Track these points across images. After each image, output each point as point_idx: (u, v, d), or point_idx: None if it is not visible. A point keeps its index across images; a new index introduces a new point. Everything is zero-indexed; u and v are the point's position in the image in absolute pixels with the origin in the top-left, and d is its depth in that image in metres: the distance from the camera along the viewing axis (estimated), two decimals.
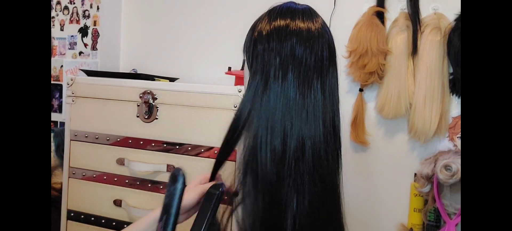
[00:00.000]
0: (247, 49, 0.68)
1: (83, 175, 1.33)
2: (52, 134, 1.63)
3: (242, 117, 0.65)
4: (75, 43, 1.79)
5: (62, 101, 1.82)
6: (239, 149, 0.66)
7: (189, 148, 1.21)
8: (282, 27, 0.64)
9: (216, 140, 0.69)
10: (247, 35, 0.68)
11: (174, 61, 1.64)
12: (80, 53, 1.78)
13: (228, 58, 1.46)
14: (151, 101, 1.25)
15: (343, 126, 1.47)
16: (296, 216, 0.60)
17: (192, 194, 0.76)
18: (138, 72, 1.63)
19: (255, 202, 0.62)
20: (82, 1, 1.77)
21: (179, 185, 0.69)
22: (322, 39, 0.65)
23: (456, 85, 1.26)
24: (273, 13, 0.67)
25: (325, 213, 0.62)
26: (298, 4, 0.69)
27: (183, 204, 0.76)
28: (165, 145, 1.24)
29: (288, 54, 0.63)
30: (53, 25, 1.84)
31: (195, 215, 0.71)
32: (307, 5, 0.69)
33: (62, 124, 1.79)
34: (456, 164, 1.14)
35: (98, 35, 1.75)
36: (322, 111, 0.63)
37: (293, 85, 0.62)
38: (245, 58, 0.68)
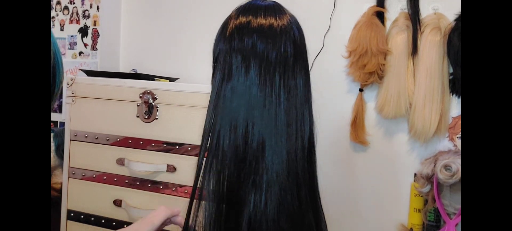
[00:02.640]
0: (213, 49, 0.68)
1: (83, 175, 1.33)
2: (52, 134, 1.63)
3: (208, 120, 0.65)
4: (75, 43, 1.79)
5: (62, 101, 1.82)
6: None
7: (189, 148, 1.21)
8: (244, 24, 0.64)
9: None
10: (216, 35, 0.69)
11: (174, 61, 1.64)
12: (80, 53, 1.78)
13: None
14: (151, 101, 1.25)
15: (343, 126, 1.48)
16: (251, 216, 0.59)
17: (162, 213, 0.82)
18: (138, 72, 1.63)
19: (215, 201, 0.62)
20: (82, 1, 1.77)
21: None
22: (286, 35, 0.63)
23: (456, 85, 1.26)
24: (237, 11, 0.67)
25: (285, 216, 0.60)
26: (265, 1, 0.68)
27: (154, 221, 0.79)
28: (165, 145, 1.24)
29: (249, 50, 0.62)
30: (53, 25, 1.84)
31: None
32: (274, 2, 0.68)
33: (62, 124, 1.79)
34: (456, 164, 1.14)
35: (98, 35, 1.75)
36: (285, 111, 0.61)
37: (255, 82, 0.61)
38: (213, 59, 0.68)
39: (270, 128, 0.61)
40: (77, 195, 1.34)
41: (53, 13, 1.84)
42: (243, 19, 0.65)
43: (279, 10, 0.66)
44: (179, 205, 1.22)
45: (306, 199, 0.62)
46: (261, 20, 0.64)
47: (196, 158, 1.18)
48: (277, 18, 0.64)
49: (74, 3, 1.79)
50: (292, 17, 0.67)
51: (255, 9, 0.66)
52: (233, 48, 0.63)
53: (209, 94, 0.66)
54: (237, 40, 0.63)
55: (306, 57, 0.67)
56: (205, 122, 0.66)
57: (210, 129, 0.64)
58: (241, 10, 0.66)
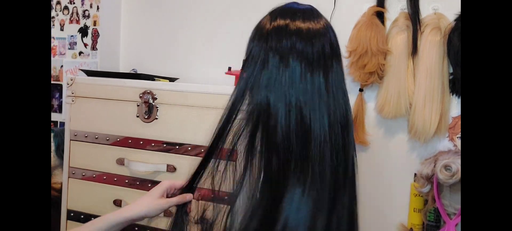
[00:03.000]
0: (247, 49, 0.68)
1: (83, 175, 1.33)
2: (52, 134, 1.63)
3: (233, 111, 0.65)
4: (75, 43, 1.79)
5: (62, 101, 1.82)
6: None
7: (189, 148, 1.21)
8: (282, 27, 0.64)
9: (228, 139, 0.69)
10: (249, 36, 0.69)
11: (174, 61, 1.64)
12: (80, 53, 1.78)
13: (228, 58, 1.46)
14: (151, 101, 1.25)
15: None
16: (288, 215, 0.59)
17: (153, 207, 0.79)
18: (138, 72, 1.63)
19: (255, 200, 0.62)
20: (82, 1, 1.77)
21: None
22: (324, 37, 0.65)
23: (456, 85, 1.26)
24: (274, 14, 0.67)
25: (324, 217, 0.61)
26: (301, 4, 0.69)
27: (140, 215, 0.79)
28: (165, 145, 1.24)
29: (288, 49, 0.63)
30: (53, 25, 1.84)
31: None
32: (310, 6, 0.69)
33: (62, 124, 1.79)
34: (456, 164, 1.14)
35: (98, 35, 1.75)
36: (326, 104, 0.62)
37: (297, 72, 0.62)
38: (246, 58, 0.68)
39: (319, 115, 0.62)
40: (77, 195, 1.34)
41: (53, 13, 1.84)
42: (280, 21, 0.65)
43: (317, 14, 0.67)
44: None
45: (342, 198, 0.64)
46: (300, 24, 0.64)
47: (196, 158, 1.18)
48: (315, 22, 0.65)
49: (74, 3, 1.79)
50: (328, 21, 0.68)
51: (293, 12, 0.66)
52: (270, 47, 0.64)
53: (230, 91, 0.67)
54: (275, 41, 0.64)
55: (341, 58, 0.68)
56: (224, 119, 0.66)
57: (237, 112, 0.65)
58: (278, 13, 0.67)
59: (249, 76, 0.65)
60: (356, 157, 0.68)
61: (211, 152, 0.70)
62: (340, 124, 0.64)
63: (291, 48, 0.63)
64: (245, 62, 0.67)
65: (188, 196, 0.83)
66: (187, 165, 1.21)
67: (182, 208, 0.83)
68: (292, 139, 0.61)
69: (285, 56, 0.62)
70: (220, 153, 0.69)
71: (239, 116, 0.66)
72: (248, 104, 0.65)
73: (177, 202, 0.83)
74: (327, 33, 0.66)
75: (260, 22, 0.68)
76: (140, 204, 0.83)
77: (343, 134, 0.64)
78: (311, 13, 0.67)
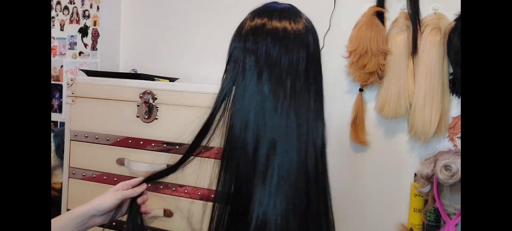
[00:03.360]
0: (229, 48, 0.68)
1: (83, 175, 1.33)
2: (52, 134, 1.63)
3: (214, 113, 0.66)
4: (75, 43, 1.79)
5: (62, 101, 1.82)
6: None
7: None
8: (258, 26, 0.64)
9: (216, 140, 0.69)
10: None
11: (174, 61, 1.64)
12: (80, 53, 1.78)
13: None
14: (151, 101, 1.25)
15: (343, 126, 1.48)
16: (259, 215, 0.59)
17: (109, 198, 0.82)
18: (138, 72, 1.63)
19: (225, 200, 0.63)
20: (82, 1, 1.77)
21: None
22: (299, 40, 0.64)
23: (456, 85, 1.25)
24: (253, 13, 0.67)
25: (294, 215, 0.60)
26: (281, 3, 0.68)
27: (98, 207, 0.80)
28: (165, 145, 1.24)
29: (263, 54, 0.62)
30: (53, 25, 1.84)
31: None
32: (289, 5, 0.68)
33: (62, 124, 1.79)
34: (456, 164, 1.14)
35: (98, 35, 1.75)
36: (295, 114, 0.62)
37: (267, 86, 0.62)
38: (227, 58, 0.68)
39: (281, 129, 0.61)
40: (77, 195, 1.34)
41: (53, 13, 1.84)
42: (258, 21, 0.65)
43: (295, 14, 0.66)
44: (181, 205, 1.23)
45: (316, 200, 0.63)
46: (276, 23, 0.64)
47: (196, 158, 1.18)
48: (292, 22, 0.65)
49: (74, 3, 1.79)
50: (308, 21, 0.67)
51: (270, 11, 0.66)
52: (247, 49, 0.64)
53: (217, 92, 0.67)
54: (251, 42, 0.64)
55: (319, 62, 0.67)
56: (210, 118, 0.66)
57: (212, 122, 0.66)
58: (257, 13, 0.67)
59: (228, 78, 0.65)
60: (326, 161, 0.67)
61: (192, 151, 0.70)
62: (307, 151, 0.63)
63: (265, 51, 0.62)
64: (226, 62, 0.68)
65: (138, 189, 0.87)
66: (187, 165, 1.21)
67: (134, 200, 0.88)
68: (250, 153, 0.61)
69: (259, 65, 0.62)
70: (199, 152, 0.70)
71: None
72: (225, 108, 0.66)
73: (130, 194, 0.87)
74: (306, 35, 0.65)
75: (241, 22, 0.68)
76: (97, 197, 0.87)
77: (315, 161, 0.64)
78: (288, 12, 0.66)
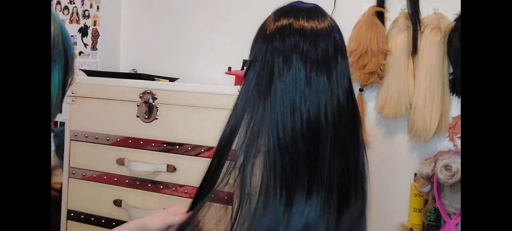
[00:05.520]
0: (251, 50, 0.67)
1: (83, 175, 1.33)
2: (52, 134, 1.63)
3: (242, 115, 0.64)
4: (75, 43, 1.79)
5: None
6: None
7: (189, 148, 1.21)
8: (285, 26, 0.63)
9: (216, 140, 0.68)
10: (254, 37, 0.68)
11: (174, 61, 1.64)
12: (80, 53, 1.78)
13: (228, 58, 1.46)
14: (151, 101, 1.25)
15: None
16: (296, 221, 0.59)
17: (157, 221, 0.79)
18: (138, 72, 1.63)
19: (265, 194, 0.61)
20: (82, 1, 1.77)
21: None
22: (327, 37, 0.64)
23: (456, 85, 1.26)
24: (277, 13, 0.66)
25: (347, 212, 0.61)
26: (305, 3, 0.68)
27: (144, 227, 0.79)
28: (165, 145, 1.24)
29: (291, 50, 0.62)
30: None
31: None
32: (314, 4, 0.67)
33: (62, 124, 1.79)
34: (456, 164, 1.14)
35: (98, 35, 1.75)
36: (330, 104, 0.62)
37: (301, 73, 0.61)
38: (250, 59, 0.67)
39: (322, 104, 0.61)
40: (77, 195, 1.34)
41: None
42: (284, 21, 0.64)
43: (321, 13, 0.66)
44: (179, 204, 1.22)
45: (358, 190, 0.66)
46: (303, 23, 0.63)
47: (196, 158, 1.17)
48: (319, 21, 0.64)
49: (74, 3, 1.79)
50: (333, 20, 0.67)
51: (297, 11, 0.65)
52: (274, 49, 0.63)
53: (229, 92, 0.66)
54: (279, 41, 0.63)
55: (347, 58, 0.67)
56: (232, 122, 0.65)
57: (239, 124, 0.64)
58: (282, 12, 0.66)
59: (252, 79, 0.64)
60: (366, 156, 0.67)
61: (221, 155, 0.68)
62: (345, 124, 0.63)
63: (294, 48, 0.62)
64: (249, 63, 0.66)
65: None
66: (187, 165, 1.21)
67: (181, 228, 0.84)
68: (298, 140, 0.60)
69: (289, 57, 0.62)
70: (229, 156, 0.68)
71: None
72: (253, 108, 0.64)
73: (177, 221, 0.83)
74: (332, 33, 0.65)
75: (264, 23, 0.67)
76: (147, 217, 0.84)
77: (350, 134, 0.64)
78: (315, 12, 0.66)
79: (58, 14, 1.82)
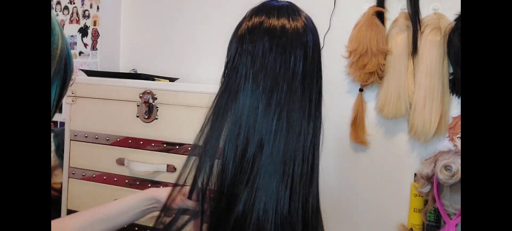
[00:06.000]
0: (227, 50, 0.67)
1: (83, 175, 1.33)
2: (52, 134, 1.63)
3: (212, 120, 0.64)
4: (75, 43, 1.79)
5: (62, 101, 1.82)
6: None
7: (189, 148, 1.21)
8: (256, 26, 0.63)
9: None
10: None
11: (174, 61, 1.64)
12: (80, 53, 1.78)
13: None
14: (151, 101, 1.25)
15: (343, 126, 1.47)
16: (239, 214, 0.59)
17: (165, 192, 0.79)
18: (138, 72, 1.63)
19: (214, 198, 0.62)
20: (82, 1, 1.77)
21: None
22: (297, 39, 0.62)
23: (456, 85, 1.26)
24: (251, 12, 0.66)
25: (273, 219, 0.59)
26: (279, 1, 0.66)
27: (159, 199, 0.81)
28: (165, 145, 1.24)
29: (259, 55, 0.61)
30: None
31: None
32: (288, 2, 0.66)
33: (62, 124, 1.79)
34: (456, 164, 1.14)
35: (98, 35, 1.75)
36: (287, 118, 0.61)
37: (261, 87, 0.61)
38: (226, 59, 0.67)
39: (270, 131, 0.60)
40: (77, 195, 1.34)
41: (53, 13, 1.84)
42: (256, 19, 0.64)
43: (293, 11, 0.65)
44: None
45: (297, 206, 0.61)
46: (274, 21, 0.62)
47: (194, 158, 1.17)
48: (290, 20, 0.63)
49: (74, 3, 1.79)
50: (308, 19, 0.65)
51: (269, 9, 0.64)
52: (243, 50, 0.63)
53: (216, 93, 0.66)
54: (248, 42, 0.62)
55: (319, 61, 0.65)
56: (208, 120, 0.65)
57: (216, 130, 0.64)
58: (255, 11, 0.66)
59: (226, 79, 0.65)
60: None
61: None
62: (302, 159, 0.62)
63: (261, 58, 0.61)
64: (225, 65, 0.67)
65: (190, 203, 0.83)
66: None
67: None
68: (239, 154, 0.61)
69: (255, 66, 0.61)
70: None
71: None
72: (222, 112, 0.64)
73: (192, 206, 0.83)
74: (304, 34, 0.63)
75: (239, 22, 0.67)
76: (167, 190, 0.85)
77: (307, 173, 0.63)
78: (287, 9, 0.64)
79: (58, 14, 1.82)
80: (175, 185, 0.70)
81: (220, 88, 0.65)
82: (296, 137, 0.61)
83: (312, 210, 0.64)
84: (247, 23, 0.64)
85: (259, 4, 0.67)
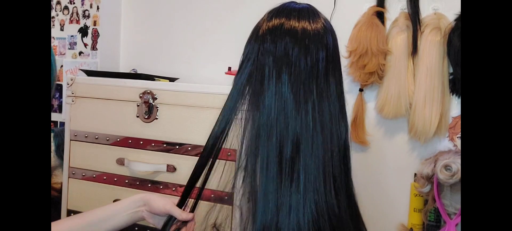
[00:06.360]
0: (244, 50, 0.67)
1: (83, 175, 1.33)
2: (52, 134, 1.63)
3: (231, 114, 0.65)
4: (75, 43, 1.79)
5: (62, 101, 1.82)
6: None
7: (189, 148, 1.21)
8: (276, 27, 0.63)
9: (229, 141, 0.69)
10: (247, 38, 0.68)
11: (174, 61, 1.64)
12: (80, 53, 1.78)
13: (228, 58, 1.46)
14: (151, 101, 1.25)
15: None
16: (292, 215, 0.59)
17: (161, 204, 0.82)
18: (138, 72, 1.63)
19: (253, 201, 0.62)
20: (82, 1, 1.77)
21: None
22: (318, 41, 0.63)
23: (456, 85, 1.26)
24: (270, 13, 0.66)
25: (325, 219, 0.59)
26: (298, 3, 0.67)
27: (148, 202, 0.84)
28: (165, 145, 1.24)
29: (282, 54, 0.62)
30: (53, 25, 1.84)
31: None
32: (308, 4, 0.67)
33: (62, 124, 1.79)
34: (456, 164, 1.14)
35: (98, 35, 1.75)
36: (318, 114, 0.61)
37: (287, 87, 0.61)
38: (242, 60, 0.67)
39: (304, 131, 0.60)
40: (77, 195, 1.34)
41: (53, 13, 1.84)
42: (276, 21, 0.64)
43: (313, 14, 0.65)
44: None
45: (345, 206, 0.62)
46: (294, 23, 0.63)
47: (196, 158, 1.18)
48: (311, 22, 0.64)
49: (74, 3, 1.79)
50: (326, 21, 0.66)
51: (289, 11, 0.65)
52: (265, 50, 0.63)
53: (229, 91, 0.66)
54: (269, 42, 0.63)
55: (339, 61, 0.66)
56: (221, 121, 0.65)
57: (229, 127, 0.65)
58: (274, 13, 0.66)
59: (245, 79, 0.64)
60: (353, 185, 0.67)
61: (210, 154, 0.70)
62: (334, 155, 0.62)
63: (284, 57, 0.61)
64: (241, 63, 0.66)
65: (185, 215, 0.83)
66: (187, 165, 1.21)
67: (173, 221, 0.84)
68: (274, 155, 0.60)
69: (278, 65, 0.61)
70: (218, 154, 0.69)
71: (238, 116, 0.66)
72: (246, 109, 0.65)
73: (177, 214, 0.83)
74: (325, 36, 0.64)
75: (257, 23, 0.67)
76: (159, 197, 0.86)
77: (340, 167, 0.63)
78: (307, 12, 0.65)
79: (58, 14, 1.82)
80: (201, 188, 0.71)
81: (237, 88, 0.65)
82: (330, 137, 0.62)
83: (357, 210, 0.66)
84: (268, 24, 0.64)
85: (278, 6, 0.67)
